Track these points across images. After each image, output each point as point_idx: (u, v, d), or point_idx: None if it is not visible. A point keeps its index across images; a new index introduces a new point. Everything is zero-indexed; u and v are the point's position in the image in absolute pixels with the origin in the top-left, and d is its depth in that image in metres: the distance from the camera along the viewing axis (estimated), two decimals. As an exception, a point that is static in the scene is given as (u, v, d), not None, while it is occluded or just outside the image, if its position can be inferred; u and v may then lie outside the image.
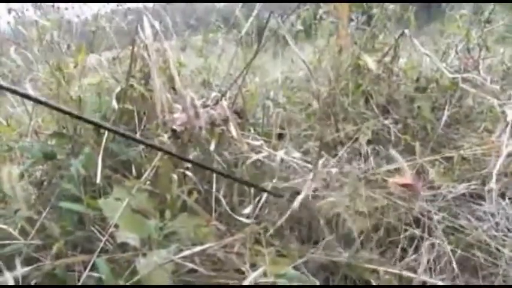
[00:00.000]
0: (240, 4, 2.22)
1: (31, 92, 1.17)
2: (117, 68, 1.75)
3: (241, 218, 1.10)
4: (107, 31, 1.85)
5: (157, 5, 1.84)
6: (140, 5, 1.91)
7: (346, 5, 2.16)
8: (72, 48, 1.72)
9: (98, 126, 1.18)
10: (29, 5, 2.04)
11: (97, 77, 1.58)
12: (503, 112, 1.20)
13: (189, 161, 1.15)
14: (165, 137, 1.28)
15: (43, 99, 1.22)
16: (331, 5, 2.35)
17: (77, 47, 1.63)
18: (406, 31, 1.70)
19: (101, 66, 1.76)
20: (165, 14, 1.78)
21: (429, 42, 2.62)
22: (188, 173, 1.12)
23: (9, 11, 2.33)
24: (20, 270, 1.01)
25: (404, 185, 1.06)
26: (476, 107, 1.67)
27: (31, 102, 1.48)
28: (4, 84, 0.87)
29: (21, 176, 1.23)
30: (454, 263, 0.88)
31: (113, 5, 2.40)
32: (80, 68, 1.52)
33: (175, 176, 1.07)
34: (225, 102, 1.24)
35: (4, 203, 1.31)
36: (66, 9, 2.86)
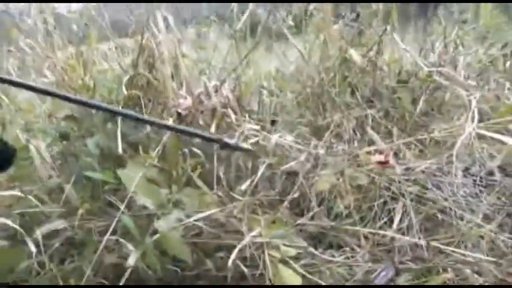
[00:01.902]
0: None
1: (51, 78, 1.30)
2: (119, 57, 1.87)
3: (237, 196, 1.24)
4: (100, 24, 1.97)
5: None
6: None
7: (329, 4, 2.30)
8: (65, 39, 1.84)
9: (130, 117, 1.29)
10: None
11: (104, 65, 1.72)
12: (470, 101, 1.37)
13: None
14: (170, 120, 1.43)
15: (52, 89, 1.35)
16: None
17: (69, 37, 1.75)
18: (389, 27, 1.86)
19: (105, 56, 1.88)
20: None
21: (412, 40, 2.80)
22: (195, 149, 1.26)
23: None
24: (39, 234, 1.16)
25: (381, 163, 1.23)
26: (451, 98, 1.84)
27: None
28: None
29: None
30: (421, 224, 1.05)
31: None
32: (87, 56, 1.65)
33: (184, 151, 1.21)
34: (226, 90, 1.39)
35: (20, 180, 1.44)
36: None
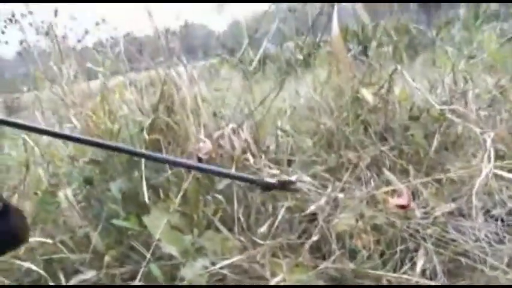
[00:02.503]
0: (247, 40, 2.42)
1: (78, 125, 1.36)
2: (138, 100, 1.94)
3: (258, 240, 1.26)
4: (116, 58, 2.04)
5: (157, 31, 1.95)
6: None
7: (341, 41, 2.35)
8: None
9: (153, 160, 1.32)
10: (40, 36, 2.25)
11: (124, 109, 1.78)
12: (484, 140, 1.39)
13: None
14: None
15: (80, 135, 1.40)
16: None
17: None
18: (399, 67, 1.92)
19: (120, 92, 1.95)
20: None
21: (420, 74, 2.86)
22: (217, 195, 1.29)
23: (21, 42, 2.55)
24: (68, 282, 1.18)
25: (402, 206, 1.24)
26: (464, 134, 1.86)
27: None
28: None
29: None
30: (444, 267, 1.05)
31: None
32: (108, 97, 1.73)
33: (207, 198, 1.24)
34: (244, 133, 1.43)
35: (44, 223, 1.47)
36: (79, 41, 3.12)
